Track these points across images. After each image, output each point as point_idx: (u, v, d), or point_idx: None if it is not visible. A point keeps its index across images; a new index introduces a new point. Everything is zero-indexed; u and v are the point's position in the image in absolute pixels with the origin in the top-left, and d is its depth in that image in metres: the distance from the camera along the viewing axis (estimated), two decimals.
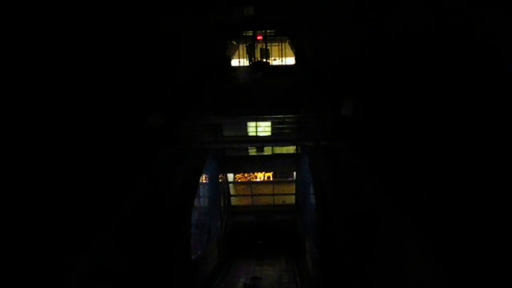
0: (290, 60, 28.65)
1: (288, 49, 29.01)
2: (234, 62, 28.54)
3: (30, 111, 7.13)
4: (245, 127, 21.50)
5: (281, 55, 29.67)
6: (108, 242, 9.84)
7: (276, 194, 24.43)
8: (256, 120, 18.53)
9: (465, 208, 7.07)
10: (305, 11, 16.27)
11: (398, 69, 9.93)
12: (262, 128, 21.49)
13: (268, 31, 22.94)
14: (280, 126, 16.79)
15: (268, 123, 19.60)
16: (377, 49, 10.94)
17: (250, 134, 21.30)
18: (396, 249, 10.00)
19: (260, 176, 26.12)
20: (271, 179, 26.04)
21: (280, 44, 28.94)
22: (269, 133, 20.53)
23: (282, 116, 15.96)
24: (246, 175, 25.85)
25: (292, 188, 24.46)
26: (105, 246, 9.61)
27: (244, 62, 27.30)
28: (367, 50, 11.72)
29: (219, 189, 21.45)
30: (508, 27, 4.27)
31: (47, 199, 7.63)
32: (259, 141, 18.06)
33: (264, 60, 24.86)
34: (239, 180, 26.00)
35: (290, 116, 15.39)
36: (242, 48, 27.86)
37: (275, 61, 28.78)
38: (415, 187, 9.34)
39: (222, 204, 22.16)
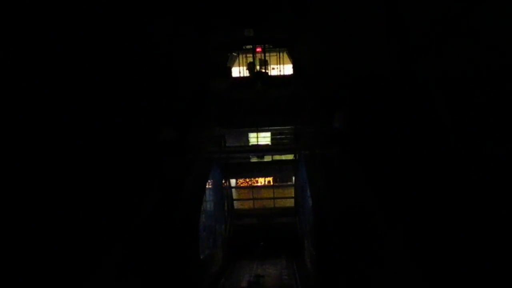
0: (288, 67, 29.83)
1: (286, 57, 30.22)
2: (235, 71, 29.79)
3: (68, 130, 8.61)
4: (246, 136, 22.73)
5: (279, 62, 30.91)
6: (130, 240, 11.31)
7: (277, 198, 25.48)
8: (257, 131, 19.88)
9: (441, 207, 8.48)
10: (303, 30, 17.68)
11: (383, 87, 11.38)
12: (262, 134, 22.74)
13: (267, 45, 24.30)
14: (279, 137, 18.16)
15: (268, 133, 20.90)
16: (366, 69, 12.40)
17: (252, 142, 22.58)
18: (382, 246, 11.44)
19: (261, 181, 27.14)
20: (271, 183, 27.12)
21: (278, 53, 30.20)
22: (268, 141, 21.79)
23: (280, 128, 17.37)
24: (247, 180, 26.83)
25: (291, 192, 25.29)
26: (129, 244, 11.07)
27: (244, 70, 28.52)
28: (358, 69, 13.17)
29: (223, 194, 22.70)
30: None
31: (81, 200, 9.12)
32: (260, 151, 19.34)
33: (263, 70, 26.20)
34: (241, 185, 26.93)
35: (288, 127, 16.84)
36: (242, 58, 29.17)
37: (274, 70, 29.82)
38: (398, 189, 10.81)
39: (225, 208, 23.41)
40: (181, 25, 14.09)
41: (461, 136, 5.72)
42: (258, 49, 25.26)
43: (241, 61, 29.60)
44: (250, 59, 26.95)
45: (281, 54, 30.15)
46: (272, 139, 20.26)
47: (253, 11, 15.56)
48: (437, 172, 7.84)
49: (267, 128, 18.25)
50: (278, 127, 17.54)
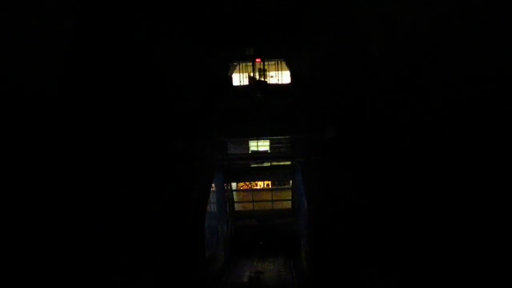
0: (286, 73, 31.25)
1: (284, 64, 31.66)
2: (235, 77, 31.22)
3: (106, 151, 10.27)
4: (247, 143, 24.18)
5: (278, 69, 32.35)
6: (146, 238, 12.95)
7: (275, 200, 26.90)
8: (257, 140, 21.38)
9: (420, 208, 10.07)
10: (299, 46, 19.31)
11: (367, 103, 13.03)
12: (261, 142, 24.10)
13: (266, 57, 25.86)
14: (276, 145, 19.70)
15: (267, 141, 22.38)
16: (355, 85, 14.05)
17: (252, 148, 24.00)
18: (369, 243, 13.07)
19: (260, 184, 28.29)
20: (270, 186, 28.24)
21: (276, 62, 31.65)
22: (267, 147, 23.24)
23: (278, 137, 18.98)
24: (247, 183, 27.96)
25: (288, 194, 26.63)
26: (145, 241, 12.71)
27: (243, 77, 29.94)
28: (349, 85, 14.82)
29: (225, 196, 24.14)
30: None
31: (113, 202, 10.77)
32: (260, 158, 20.81)
33: (262, 79, 27.76)
34: (242, 188, 28.17)
35: (285, 137, 18.45)
36: (241, 66, 30.67)
37: (272, 78, 31.17)
38: (380, 190, 12.46)
39: (227, 209, 24.89)
40: (187, 47, 15.74)
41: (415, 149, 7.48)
42: (258, 60, 26.87)
43: (241, 69, 31.10)
44: (250, 67, 28.52)
45: (279, 62, 31.64)
46: (271, 147, 21.76)
47: (253, 32, 17.20)
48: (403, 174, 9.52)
49: (266, 138, 19.85)
50: (276, 137, 19.13)
